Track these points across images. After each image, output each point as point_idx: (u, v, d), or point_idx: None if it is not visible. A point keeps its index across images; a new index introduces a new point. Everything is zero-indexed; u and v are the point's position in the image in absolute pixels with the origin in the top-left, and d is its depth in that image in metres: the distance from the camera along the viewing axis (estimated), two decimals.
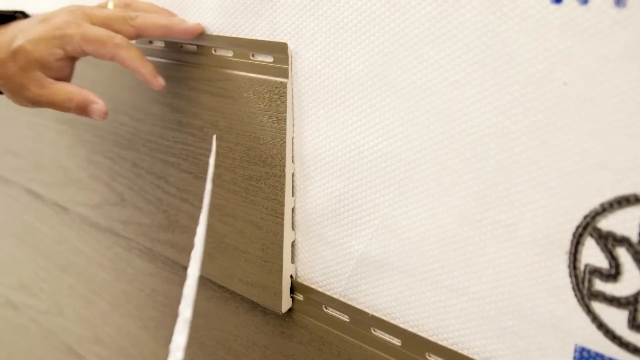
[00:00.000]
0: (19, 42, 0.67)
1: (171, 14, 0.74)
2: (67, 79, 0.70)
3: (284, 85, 0.64)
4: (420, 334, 0.59)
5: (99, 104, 0.69)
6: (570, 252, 0.47)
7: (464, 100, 0.51)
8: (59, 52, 0.67)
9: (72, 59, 0.70)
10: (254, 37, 0.66)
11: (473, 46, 0.49)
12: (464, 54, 0.50)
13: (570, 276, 0.47)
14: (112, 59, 0.67)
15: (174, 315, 0.90)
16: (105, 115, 0.69)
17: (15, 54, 0.67)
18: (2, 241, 1.32)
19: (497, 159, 0.50)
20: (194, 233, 0.80)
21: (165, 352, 0.93)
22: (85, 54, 0.67)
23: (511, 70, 0.47)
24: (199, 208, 0.78)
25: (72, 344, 1.19)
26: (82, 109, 0.69)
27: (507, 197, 0.50)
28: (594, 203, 0.45)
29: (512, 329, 0.52)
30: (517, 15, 0.46)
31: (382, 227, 0.59)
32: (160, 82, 0.70)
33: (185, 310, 0.50)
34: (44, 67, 0.67)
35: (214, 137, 0.71)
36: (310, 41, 0.61)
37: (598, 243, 0.45)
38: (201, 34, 0.71)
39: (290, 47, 0.63)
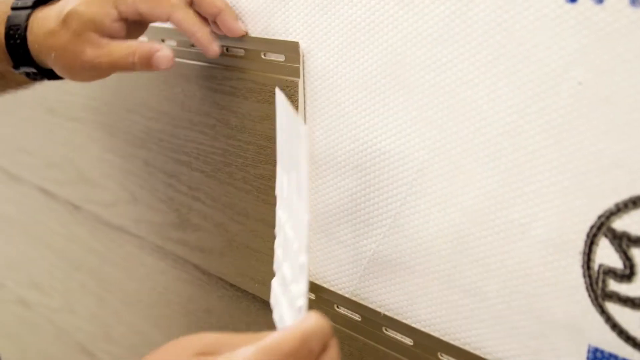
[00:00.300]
0: (69, 7, 0.64)
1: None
2: None
3: (295, 84, 0.64)
4: (432, 333, 0.58)
5: (164, 51, 0.65)
6: (584, 252, 0.47)
7: (478, 100, 0.50)
8: (113, 13, 0.64)
9: (125, 22, 0.66)
10: (266, 36, 0.66)
11: (487, 45, 0.49)
12: (478, 53, 0.50)
13: (584, 276, 0.47)
14: (167, 19, 0.65)
15: (185, 314, 0.90)
16: (172, 62, 0.65)
17: (67, 18, 0.64)
18: (15, 239, 1.33)
19: (511, 158, 0.49)
20: (205, 231, 0.80)
21: None
22: (139, 15, 0.64)
23: (525, 69, 0.47)
24: (211, 207, 0.78)
25: (83, 342, 1.19)
26: (147, 62, 0.65)
27: (520, 197, 0.50)
28: (608, 203, 0.45)
29: (524, 329, 0.52)
30: (531, 15, 0.46)
31: (395, 226, 0.59)
32: (215, 48, 0.67)
33: (302, 255, 0.49)
34: (98, 28, 0.64)
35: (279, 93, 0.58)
36: (323, 40, 0.61)
37: (612, 243, 0.45)
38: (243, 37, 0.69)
39: (303, 46, 0.63)
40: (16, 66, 0.67)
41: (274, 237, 0.70)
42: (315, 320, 0.46)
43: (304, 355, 0.45)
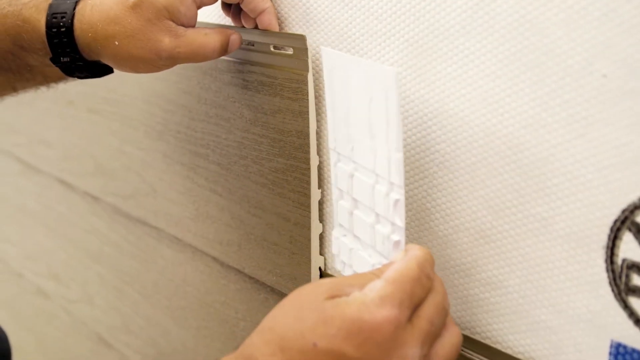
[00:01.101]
0: None
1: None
2: None
3: (305, 77, 0.63)
4: None
5: (236, 34, 0.63)
6: (607, 247, 0.46)
7: (500, 92, 0.50)
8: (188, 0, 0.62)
9: (196, 7, 0.63)
10: (288, 29, 0.66)
11: (510, 37, 0.49)
12: (501, 45, 0.49)
13: (607, 271, 0.47)
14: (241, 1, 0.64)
15: (203, 305, 0.90)
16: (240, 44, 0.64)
17: (138, 5, 0.60)
18: (34, 230, 1.34)
19: (534, 152, 0.49)
20: (223, 224, 0.80)
21: (194, 342, 0.94)
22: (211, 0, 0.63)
23: (549, 62, 0.47)
24: (228, 199, 0.78)
25: (101, 333, 1.20)
26: (224, 48, 0.63)
27: (542, 191, 0.49)
28: (632, 197, 0.44)
29: (546, 323, 0.52)
30: (555, 7, 0.46)
31: (415, 219, 0.59)
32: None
33: (395, 193, 0.53)
34: (173, 16, 0.61)
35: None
36: (344, 32, 0.60)
37: (637, 237, 0.45)
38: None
39: (323, 37, 0.62)
40: (55, 58, 0.63)
41: (290, 231, 0.70)
42: (420, 249, 0.51)
43: (424, 280, 0.49)
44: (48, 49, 0.62)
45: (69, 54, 0.63)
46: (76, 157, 1.10)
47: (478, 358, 0.56)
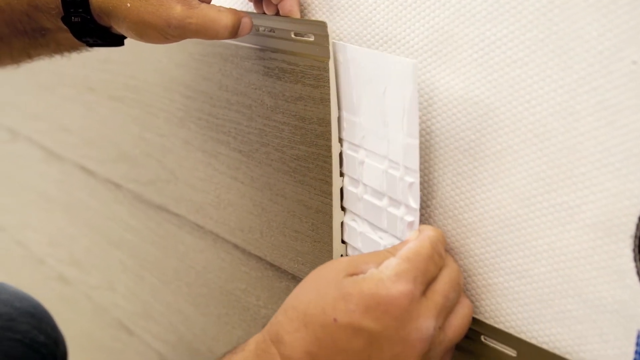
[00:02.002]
0: None
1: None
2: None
3: (326, 65, 0.63)
4: (475, 316, 0.58)
5: (248, 17, 0.62)
6: (635, 236, 0.46)
7: (527, 79, 0.49)
8: None
9: None
10: (311, 15, 0.65)
11: (538, 23, 0.48)
12: (528, 32, 0.49)
13: (635, 260, 0.46)
14: None
15: (223, 292, 0.90)
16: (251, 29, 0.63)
17: None
18: (55, 217, 1.34)
19: (561, 139, 0.48)
20: (244, 211, 0.80)
21: (215, 329, 0.94)
22: None
23: (578, 48, 0.46)
24: (249, 186, 0.78)
25: (122, 318, 1.20)
26: (235, 28, 0.61)
27: (570, 179, 0.49)
28: None
29: (571, 313, 0.51)
30: None
31: (439, 207, 0.58)
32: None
33: (409, 177, 0.56)
34: None
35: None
36: (367, 18, 0.60)
37: None
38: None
39: (347, 24, 0.62)
40: (67, 18, 0.62)
41: (312, 219, 0.70)
42: (433, 229, 0.56)
43: (437, 258, 0.54)
44: (61, 8, 0.61)
45: (81, 13, 0.61)
46: (97, 144, 1.10)
47: (502, 347, 0.56)
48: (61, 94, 1.17)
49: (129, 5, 0.59)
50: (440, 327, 0.52)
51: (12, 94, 1.37)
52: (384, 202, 0.61)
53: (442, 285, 0.53)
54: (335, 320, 0.51)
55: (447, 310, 0.53)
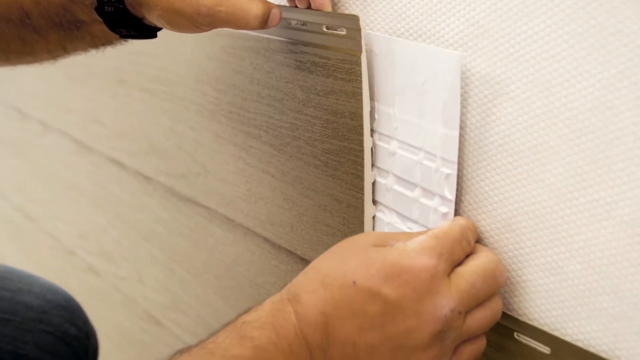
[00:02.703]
0: None
1: None
2: None
3: (358, 58, 0.62)
4: (508, 312, 0.57)
5: (277, 9, 0.62)
6: None
7: (564, 74, 0.49)
8: None
9: None
10: (344, 9, 0.65)
11: (576, 17, 0.47)
12: (566, 25, 0.48)
13: None
14: None
15: (253, 286, 0.91)
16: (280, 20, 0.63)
17: None
18: (86, 209, 1.35)
19: (598, 135, 0.48)
20: (275, 205, 0.80)
21: None
22: None
23: (616, 42, 0.45)
24: (280, 180, 0.78)
25: (151, 310, 1.21)
26: (265, 19, 0.61)
27: (607, 175, 0.48)
28: None
29: (607, 310, 0.50)
30: None
31: (473, 202, 0.58)
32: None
33: (446, 168, 0.57)
34: None
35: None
36: (402, 12, 0.59)
37: None
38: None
39: (381, 17, 0.62)
40: (100, 7, 0.62)
41: (343, 213, 0.70)
42: (465, 219, 0.57)
43: (464, 244, 0.54)
44: None
45: (114, 3, 0.62)
46: (128, 137, 1.11)
47: (535, 344, 0.56)
48: (92, 86, 1.18)
49: None
50: (460, 313, 0.52)
51: (44, 87, 1.38)
52: (416, 193, 0.61)
53: (469, 271, 0.53)
54: (354, 282, 0.52)
55: (472, 299, 0.52)
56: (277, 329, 0.52)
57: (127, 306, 1.30)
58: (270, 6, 0.61)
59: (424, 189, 0.60)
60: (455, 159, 0.56)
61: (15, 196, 1.74)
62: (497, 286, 0.54)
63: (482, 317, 0.53)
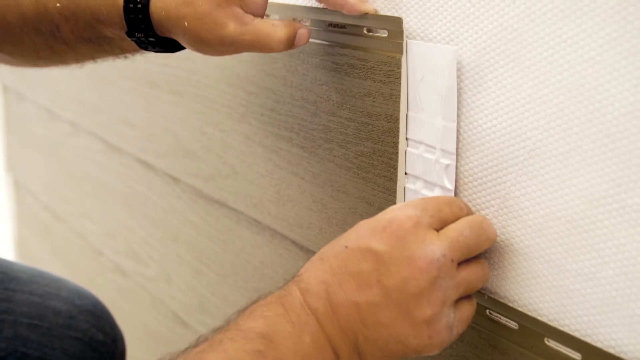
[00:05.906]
0: None
1: None
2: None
3: (398, 61, 0.63)
4: (539, 318, 0.57)
5: (305, 29, 0.64)
6: None
7: (599, 78, 0.49)
8: None
9: None
10: (375, 11, 0.65)
11: (611, 21, 0.47)
12: (601, 30, 0.48)
13: None
14: None
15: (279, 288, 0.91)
16: (309, 39, 0.65)
17: None
18: (114, 209, 1.37)
19: (633, 140, 0.47)
20: (304, 207, 0.80)
21: None
22: None
23: None
24: (310, 183, 0.78)
25: (178, 311, 1.22)
26: (291, 42, 0.64)
27: None
28: None
29: None
30: None
31: (503, 207, 0.58)
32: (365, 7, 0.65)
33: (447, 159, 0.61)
34: (243, 3, 0.62)
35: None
36: (434, 15, 0.59)
37: None
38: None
39: (412, 21, 0.62)
40: (130, 32, 0.65)
41: (373, 215, 0.70)
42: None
43: (455, 208, 0.57)
44: (124, 23, 0.64)
45: (143, 29, 0.64)
46: (157, 138, 1.11)
47: (566, 350, 0.55)
48: (122, 87, 1.19)
49: (186, 24, 0.62)
50: (453, 260, 0.53)
51: (74, 88, 1.40)
52: (418, 185, 0.65)
53: (457, 223, 0.55)
54: (346, 247, 0.55)
55: (462, 247, 0.54)
56: (284, 304, 0.54)
57: (154, 306, 1.30)
58: (295, 28, 0.63)
59: (425, 181, 0.64)
60: (454, 150, 0.60)
61: (44, 195, 1.76)
62: (487, 237, 0.57)
63: (474, 270, 0.56)
